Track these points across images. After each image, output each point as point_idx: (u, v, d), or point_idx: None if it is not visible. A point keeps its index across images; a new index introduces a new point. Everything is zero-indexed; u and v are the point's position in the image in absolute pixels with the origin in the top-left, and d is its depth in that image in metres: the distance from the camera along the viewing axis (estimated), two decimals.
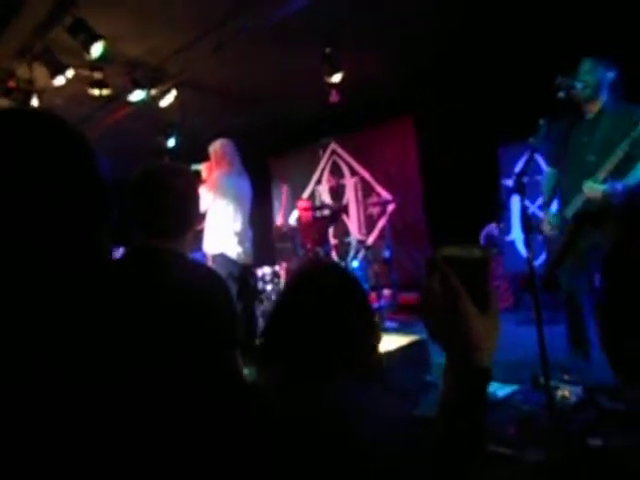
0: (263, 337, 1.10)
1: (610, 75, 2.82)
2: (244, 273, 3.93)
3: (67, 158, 0.66)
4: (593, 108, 2.87)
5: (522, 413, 2.38)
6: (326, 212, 6.34)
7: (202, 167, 3.92)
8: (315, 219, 6.00)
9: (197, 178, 3.89)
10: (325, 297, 1.02)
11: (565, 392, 2.48)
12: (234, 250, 3.82)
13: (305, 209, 5.83)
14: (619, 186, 2.63)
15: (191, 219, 1.57)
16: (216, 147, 3.92)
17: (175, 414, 0.60)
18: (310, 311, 1.01)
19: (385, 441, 0.82)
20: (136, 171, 1.52)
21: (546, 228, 3.05)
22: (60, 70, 4.18)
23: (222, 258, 3.79)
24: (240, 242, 3.86)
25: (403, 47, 5.02)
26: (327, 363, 0.96)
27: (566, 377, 2.62)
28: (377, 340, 1.06)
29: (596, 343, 3.00)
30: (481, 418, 0.67)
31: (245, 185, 4.00)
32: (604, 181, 2.67)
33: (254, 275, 5.40)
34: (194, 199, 1.60)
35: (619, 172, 2.66)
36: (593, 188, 2.68)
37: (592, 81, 2.79)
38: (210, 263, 3.84)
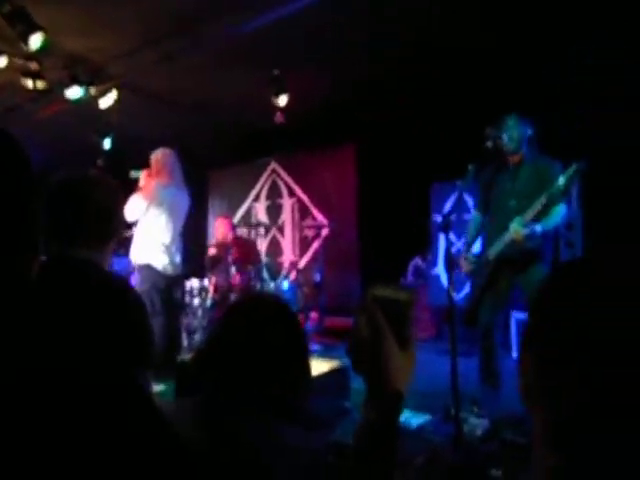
0: (193, 363, 1.09)
1: (529, 131, 3.14)
2: (169, 285, 3.85)
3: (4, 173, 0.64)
4: (515, 159, 3.16)
5: (431, 444, 2.47)
6: (261, 230, 6.34)
7: (141, 174, 3.81)
8: (238, 237, 5.96)
9: (135, 185, 3.78)
10: (259, 331, 1.03)
11: (473, 424, 2.60)
12: (160, 262, 3.74)
13: (224, 226, 5.78)
14: (538, 228, 2.90)
15: (111, 230, 1.56)
16: (158, 156, 3.83)
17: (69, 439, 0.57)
18: (242, 343, 1.01)
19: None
20: (55, 179, 1.49)
21: (464, 265, 3.26)
22: None
23: (147, 269, 3.71)
24: (167, 254, 3.78)
25: (347, 77, 5.20)
26: (253, 396, 0.97)
27: (475, 409, 2.75)
28: (306, 378, 1.08)
29: (505, 377, 3.19)
30: (392, 446, 0.72)
31: (182, 198, 3.93)
32: (525, 225, 2.90)
33: (182, 288, 5.28)
34: (115, 211, 1.58)
35: (537, 217, 2.94)
36: (518, 229, 2.90)
37: (516, 135, 3.08)
38: (136, 272, 3.73)
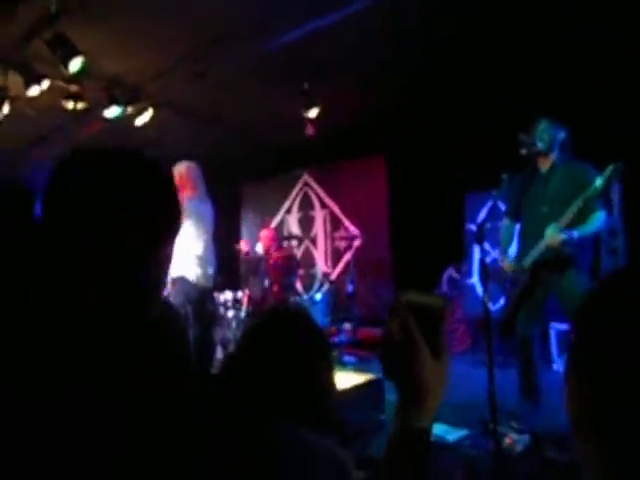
0: (221, 373, 1.10)
1: (561, 134, 3.06)
2: (202, 296, 3.89)
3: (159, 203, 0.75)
4: (546, 164, 3.09)
5: (469, 459, 2.41)
6: (293, 242, 6.38)
7: None
8: (279, 248, 6.03)
9: None
10: (288, 345, 1.06)
11: (512, 440, 2.52)
12: (193, 273, 3.78)
13: (268, 238, 5.86)
14: (575, 234, 2.82)
15: None
16: (181, 170, 3.88)
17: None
18: (265, 352, 1.03)
19: None
20: None
21: (506, 266, 3.18)
22: (35, 80, 4.14)
23: (181, 281, 3.75)
24: (200, 265, 3.81)
25: (377, 89, 5.20)
26: (279, 407, 0.97)
27: (514, 424, 2.67)
28: (332, 391, 1.09)
29: (546, 391, 3.08)
30: (424, 458, 0.68)
31: (207, 210, 3.97)
32: (561, 231, 2.82)
33: (214, 300, 5.33)
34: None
35: (573, 223, 2.86)
36: (554, 235, 2.83)
37: (547, 139, 3.02)
38: (169, 286, 3.78)
